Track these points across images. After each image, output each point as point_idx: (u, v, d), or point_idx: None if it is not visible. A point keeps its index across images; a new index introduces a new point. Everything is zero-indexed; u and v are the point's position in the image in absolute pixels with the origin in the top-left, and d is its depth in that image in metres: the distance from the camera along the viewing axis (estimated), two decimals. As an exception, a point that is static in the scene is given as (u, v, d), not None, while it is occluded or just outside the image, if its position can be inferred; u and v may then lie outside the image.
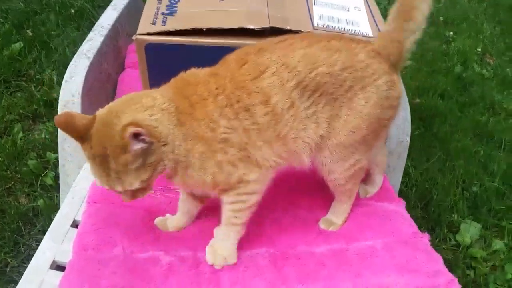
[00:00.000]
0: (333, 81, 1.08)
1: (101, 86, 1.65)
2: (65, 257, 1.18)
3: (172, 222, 1.28)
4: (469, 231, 1.91)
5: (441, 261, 1.20)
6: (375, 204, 1.38)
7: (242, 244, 1.20)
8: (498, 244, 1.87)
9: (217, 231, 1.19)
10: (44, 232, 1.71)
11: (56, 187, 1.87)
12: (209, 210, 1.30)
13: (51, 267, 1.18)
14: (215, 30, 1.25)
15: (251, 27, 1.25)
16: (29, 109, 2.27)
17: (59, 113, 1.48)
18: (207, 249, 1.18)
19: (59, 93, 2.32)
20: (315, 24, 1.36)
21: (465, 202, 2.03)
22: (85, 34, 2.81)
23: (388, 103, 1.15)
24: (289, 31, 1.26)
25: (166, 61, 1.28)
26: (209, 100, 1.03)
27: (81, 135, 0.96)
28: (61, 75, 2.43)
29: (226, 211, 1.15)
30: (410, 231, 1.29)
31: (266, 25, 1.27)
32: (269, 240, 1.25)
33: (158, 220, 1.29)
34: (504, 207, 2.01)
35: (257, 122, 1.06)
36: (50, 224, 1.71)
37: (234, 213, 1.14)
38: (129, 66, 1.85)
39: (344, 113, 1.11)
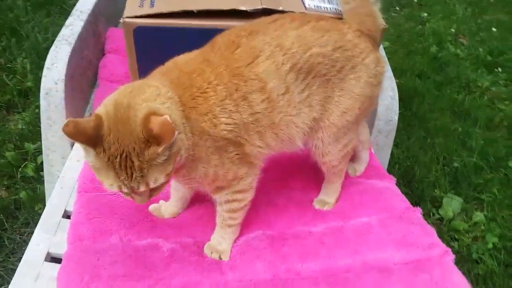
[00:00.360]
0: (326, 62, 1.08)
1: (83, 72, 1.59)
2: (60, 249, 1.15)
3: (166, 209, 1.27)
4: (451, 205, 1.98)
5: (435, 233, 1.24)
6: (366, 182, 1.41)
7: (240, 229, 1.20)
8: (478, 216, 1.95)
9: (214, 233, 1.18)
10: (27, 224, 1.67)
11: (37, 178, 1.81)
12: (202, 197, 1.29)
13: (46, 260, 1.14)
14: (206, 12, 1.23)
15: (243, 8, 1.23)
16: (1, 99, 2.17)
17: (41, 102, 1.43)
18: (205, 250, 1.16)
19: (33, 81, 2.28)
20: (307, 5, 1.35)
21: (446, 177, 2.10)
22: (57, 20, 2.73)
23: (376, 80, 1.17)
24: (281, 12, 1.25)
25: (156, 44, 1.25)
26: (210, 93, 0.98)
27: (93, 139, 0.84)
28: (34, 63, 2.35)
29: (222, 212, 1.14)
30: (403, 206, 1.32)
31: (258, 6, 1.25)
32: (265, 222, 1.26)
33: (152, 208, 1.27)
34: (482, 181, 2.09)
35: (255, 111, 1.02)
36: (33, 216, 1.68)
37: (230, 213, 1.13)
38: (109, 52, 1.79)
39: (336, 94, 1.11)
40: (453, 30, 3.08)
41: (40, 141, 1.90)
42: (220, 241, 1.17)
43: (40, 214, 1.65)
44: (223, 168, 1.03)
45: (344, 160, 1.26)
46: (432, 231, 1.25)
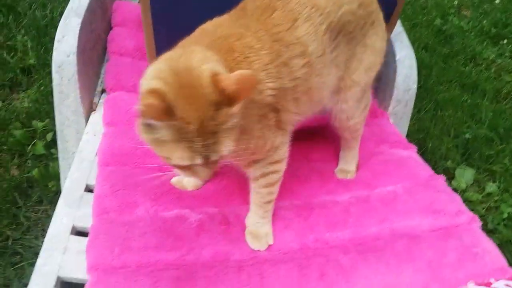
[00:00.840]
0: (353, 19, 1.07)
1: (92, 46, 1.54)
2: (85, 222, 1.14)
3: (189, 181, 1.24)
4: (464, 176, 1.98)
5: (460, 200, 1.24)
6: (389, 151, 1.40)
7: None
8: (491, 187, 1.95)
9: (251, 216, 1.13)
10: (41, 202, 1.64)
11: (48, 155, 1.78)
12: (224, 169, 1.27)
13: (71, 233, 1.12)
14: None
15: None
16: (4, 78, 2.11)
17: (53, 75, 1.38)
18: (247, 236, 1.11)
19: (35, 58, 2.22)
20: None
21: (458, 149, 2.10)
22: (54, -5, 2.65)
23: (386, 35, 1.19)
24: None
25: (175, 11, 1.20)
26: (253, 58, 0.93)
27: (164, 112, 0.76)
28: (35, 40, 2.29)
29: (259, 189, 1.08)
30: (427, 174, 1.32)
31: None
32: (290, 192, 1.24)
33: (175, 180, 1.24)
34: (493, 152, 2.09)
35: (296, 76, 0.99)
36: (47, 194, 1.65)
37: (268, 188, 1.08)
38: (116, 25, 1.74)
39: (359, 51, 1.11)
40: (456, 2, 3.05)
41: (49, 118, 1.88)
42: (261, 223, 1.11)
43: (54, 192, 1.66)
44: (263, 138, 1.00)
45: (363, 123, 1.27)
46: (458, 198, 1.25)
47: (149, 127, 0.79)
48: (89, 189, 1.25)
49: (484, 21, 2.92)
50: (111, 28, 1.76)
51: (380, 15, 1.15)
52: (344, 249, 1.11)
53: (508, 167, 2.03)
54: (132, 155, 1.28)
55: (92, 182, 1.24)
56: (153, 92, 0.77)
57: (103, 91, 1.57)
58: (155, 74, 0.80)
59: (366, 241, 1.13)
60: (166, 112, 0.75)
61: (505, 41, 2.76)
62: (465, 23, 2.90)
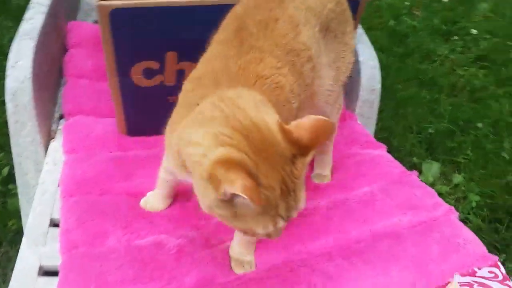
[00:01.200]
0: (334, 17, 1.06)
1: (48, 69, 1.47)
2: (53, 260, 1.06)
3: (158, 202, 1.17)
4: (430, 170, 2.02)
5: (435, 193, 1.25)
6: (360, 152, 1.40)
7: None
8: (457, 178, 2.00)
9: (235, 247, 1.06)
10: (0, 243, 1.53)
11: (5, 192, 1.67)
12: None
13: (39, 274, 1.04)
14: None
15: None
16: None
17: (7, 104, 1.30)
18: (231, 263, 1.05)
19: None
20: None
21: (422, 144, 2.14)
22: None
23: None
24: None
25: (137, 30, 1.15)
26: (281, 80, 0.87)
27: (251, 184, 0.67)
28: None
29: None
30: (399, 171, 1.33)
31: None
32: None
33: (143, 202, 1.18)
34: (456, 144, 2.15)
35: (306, 83, 0.95)
36: (6, 233, 1.54)
37: None
38: (72, 46, 1.67)
39: (342, 50, 1.11)
40: (407, 3, 3.15)
41: (4, 151, 1.77)
42: (245, 253, 1.05)
43: (14, 231, 1.55)
44: None
45: (337, 124, 1.27)
46: (432, 191, 1.27)
47: (226, 203, 0.71)
48: (54, 224, 1.17)
49: (435, 20, 3.03)
50: (66, 50, 1.69)
51: (350, 13, 1.15)
52: (328, 256, 1.09)
53: (471, 157, 2.10)
54: (97, 182, 1.22)
55: (57, 215, 1.17)
56: (233, 165, 0.66)
57: (61, 117, 1.50)
58: (219, 140, 0.70)
59: (350, 245, 1.11)
60: (257, 187, 0.66)
61: (456, 37, 2.87)
62: (417, 22, 3.00)
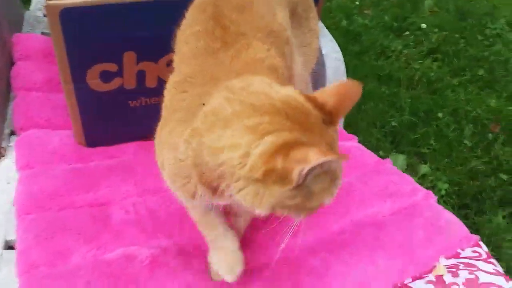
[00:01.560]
0: (300, 1, 1.06)
1: (-7, 84, 1.35)
2: (9, 285, 0.95)
3: (226, 257, 0.97)
4: (397, 163, 2.03)
5: (412, 179, 1.24)
6: (333, 145, 1.38)
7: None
8: (424, 168, 2.03)
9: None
10: None
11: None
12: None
13: (-4, 302, 0.93)
14: None
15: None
16: None
17: None
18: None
19: None
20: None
21: (387, 138, 2.16)
22: None
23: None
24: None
25: (90, 30, 1.08)
26: (277, 64, 0.84)
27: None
28: None
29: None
30: (374, 160, 1.32)
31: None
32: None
33: (214, 275, 0.99)
34: (419, 135, 2.19)
35: (287, 65, 0.91)
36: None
37: None
38: (19, 59, 1.55)
39: (307, 34, 1.09)
40: (357, 3, 3.22)
41: None
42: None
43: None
44: None
45: None
46: (409, 177, 1.26)
47: (299, 188, 0.63)
48: (9, 246, 1.06)
49: (385, 17, 3.11)
50: (13, 63, 1.57)
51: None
52: (312, 251, 1.05)
53: (434, 147, 2.13)
54: (55, 197, 1.13)
55: (12, 237, 1.06)
56: (290, 146, 0.61)
57: (11, 133, 1.38)
58: (260, 131, 0.63)
59: (333, 238, 1.08)
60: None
61: (407, 32, 2.96)
62: (368, 21, 3.06)
